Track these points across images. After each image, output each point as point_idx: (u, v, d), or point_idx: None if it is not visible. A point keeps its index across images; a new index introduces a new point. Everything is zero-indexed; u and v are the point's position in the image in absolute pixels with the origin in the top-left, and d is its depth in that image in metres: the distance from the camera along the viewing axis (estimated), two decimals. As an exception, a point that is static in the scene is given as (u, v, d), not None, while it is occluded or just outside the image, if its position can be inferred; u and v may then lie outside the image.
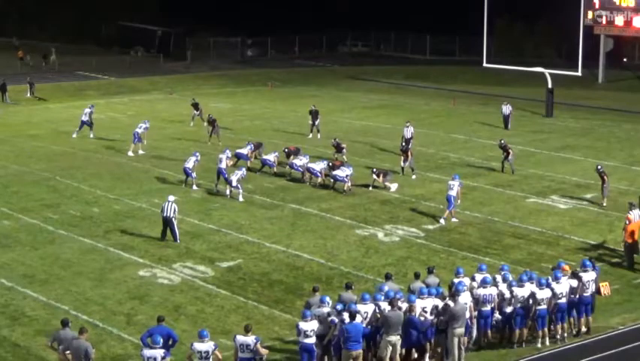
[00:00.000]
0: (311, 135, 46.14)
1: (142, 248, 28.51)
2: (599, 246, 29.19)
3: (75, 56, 76.60)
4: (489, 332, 21.24)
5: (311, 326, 19.11)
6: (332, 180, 35.73)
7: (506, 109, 50.64)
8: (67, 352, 17.96)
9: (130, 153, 41.81)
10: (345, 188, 35.09)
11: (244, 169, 35.39)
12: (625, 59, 79.49)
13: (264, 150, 39.79)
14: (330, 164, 37.06)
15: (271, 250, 28.60)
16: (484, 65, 59.02)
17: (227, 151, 36.52)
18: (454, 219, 31.73)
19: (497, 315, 21.20)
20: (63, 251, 28.28)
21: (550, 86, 54.89)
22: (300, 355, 19.27)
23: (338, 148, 40.39)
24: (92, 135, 46.03)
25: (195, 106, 49.87)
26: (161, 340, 17.86)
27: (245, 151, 38.86)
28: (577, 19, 55.81)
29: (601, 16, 65.22)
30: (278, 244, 29.15)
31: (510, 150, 39.26)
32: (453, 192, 31.72)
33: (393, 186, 35.84)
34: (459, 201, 32.18)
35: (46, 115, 54.36)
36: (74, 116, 48.97)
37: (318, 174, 36.21)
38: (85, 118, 46.21)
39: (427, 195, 35.25)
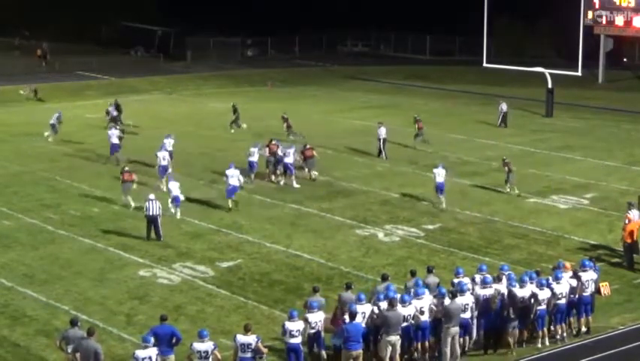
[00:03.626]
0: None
1: (142, 248, 28.51)
2: (599, 246, 29.19)
3: (75, 56, 76.50)
4: None
5: (297, 325, 19.17)
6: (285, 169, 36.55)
7: (503, 107, 50.88)
8: (77, 353, 17.96)
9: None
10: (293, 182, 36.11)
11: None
12: (625, 59, 79.48)
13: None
14: (303, 148, 37.64)
15: (271, 250, 28.60)
16: (484, 65, 59.03)
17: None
18: (442, 206, 33.02)
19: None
20: (63, 251, 28.29)
21: (550, 86, 54.90)
22: (286, 355, 19.33)
23: (286, 123, 45.02)
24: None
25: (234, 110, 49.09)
26: (152, 339, 17.83)
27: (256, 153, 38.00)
28: (577, 19, 55.86)
29: (601, 16, 65.22)
30: (278, 244, 29.15)
31: (421, 126, 43.72)
32: (441, 179, 33.35)
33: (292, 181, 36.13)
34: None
35: (46, 115, 54.04)
36: (74, 116, 49.00)
37: (292, 168, 36.29)
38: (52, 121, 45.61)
39: (427, 195, 35.23)
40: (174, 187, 31.85)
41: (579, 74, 55.17)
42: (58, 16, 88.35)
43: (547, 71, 55.33)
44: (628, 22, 64.10)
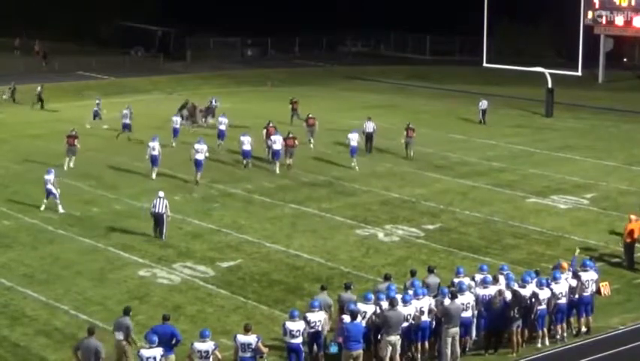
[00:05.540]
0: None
1: (142, 248, 28.51)
2: (599, 246, 29.18)
3: (75, 55, 76.45)
4: None
5: (297, 326, 19.15)
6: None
7: (483, 104, 51.15)
8: (79, 351, 17.99)
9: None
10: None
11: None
12: (625, 59, 79.52)
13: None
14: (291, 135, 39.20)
15: (271, 250, 28.60)
16: (484, 65, 59.06)
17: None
18: (353, 165, 38.11)
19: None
20: (63, 251, 28.28)
21: (550, 86, 54.91)
22: (287, 355, 19.33)
23: (191, 113, 48.28)
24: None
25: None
26: (157, 339, 17.82)
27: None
28: (577, 19, 55.89)
29: (601, 16, 65.25)
30: (278, 243, 29.15)
31: (297, 106, 48.02)
32: (355, 143, 38.41)
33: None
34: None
35: (46, 115, 54.31)
36: (74, 116, 48.99)
37: (279, 154, 38.23)
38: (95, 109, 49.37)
39: (427, 195, 35.26)
40: (49, 180, 32.08)
41: (579, 74, 55.19)
42: (57, 16, 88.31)
43: (547, 71, 55.34)
44: (628, 22, 64.13)
